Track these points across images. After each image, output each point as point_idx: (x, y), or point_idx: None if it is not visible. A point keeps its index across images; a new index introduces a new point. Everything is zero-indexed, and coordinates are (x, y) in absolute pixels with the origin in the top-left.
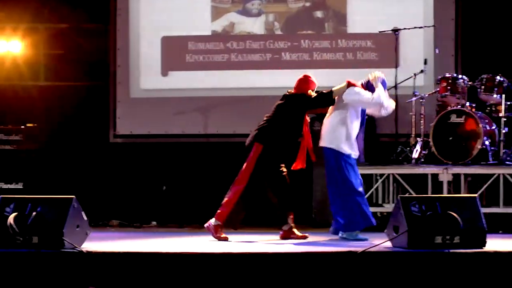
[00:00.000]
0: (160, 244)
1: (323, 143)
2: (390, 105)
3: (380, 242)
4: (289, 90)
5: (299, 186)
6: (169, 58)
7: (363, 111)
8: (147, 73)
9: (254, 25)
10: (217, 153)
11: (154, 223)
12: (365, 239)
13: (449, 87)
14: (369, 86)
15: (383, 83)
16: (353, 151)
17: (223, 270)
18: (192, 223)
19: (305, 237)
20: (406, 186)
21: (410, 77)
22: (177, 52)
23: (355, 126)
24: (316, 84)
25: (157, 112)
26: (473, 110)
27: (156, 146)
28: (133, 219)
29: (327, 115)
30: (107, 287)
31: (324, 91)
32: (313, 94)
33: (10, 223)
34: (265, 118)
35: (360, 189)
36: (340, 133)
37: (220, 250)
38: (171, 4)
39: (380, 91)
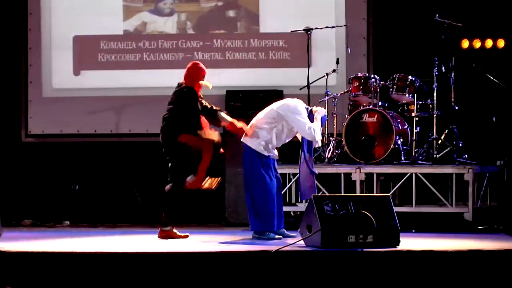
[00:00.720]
0: (73, 243)
1: (244, 138)
2: (319, 142)
3: (294, 242)
4: (180, 81)
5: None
6: (81, 57)
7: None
8: (59, 72)
9: (166, 25)
10: (129, 153)
11: (66, 222)
12: (279, 238)
13: (361, 87)
14: (310, 115)
15: (323, 119)
16: (272, 154)
17: (134, 269)
18: (105, 222)
19: (186, 237)
20: (319, 186)
21: (322, 77)
22: (89, 51)
23: (280, 139)
24: (206, 71)
25: (69, 112)
26: (385, 109)
27: (69, 145)
28: (46, 219)
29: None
30: (23, 287)
31: (214, 108)
32: (205, 83)
33: None
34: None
35: (274, 189)
36: (262, 138)
37: (130, 250)
38: (83, 3)
39: (317, 125)
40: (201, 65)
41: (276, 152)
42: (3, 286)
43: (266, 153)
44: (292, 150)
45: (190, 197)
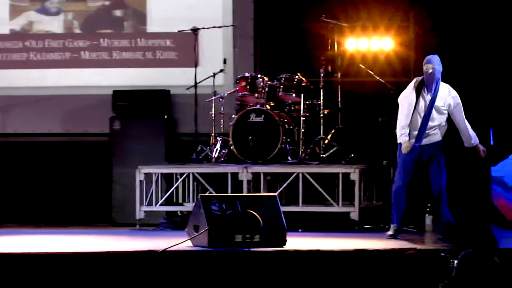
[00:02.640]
0: None
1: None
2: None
3: (181, 241)
4: None
5: (97, 185)
6: None
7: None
8: None
9: (53, 24)
10: (16, 153)
11: None
12: None
13: (248, 87)
14: None
15: None
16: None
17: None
18: None
19: None
20: (206, 185)
21: (209, 77)
22: None
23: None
24: None
25: None
26: (272, 109)
27: None
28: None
29: None
30: None
31: None
32: None
33: None
34: None
35: None
36: None
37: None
38: None
39: None
40: None
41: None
42: None
43: None
44: (178, 151)
45: (75, 197)
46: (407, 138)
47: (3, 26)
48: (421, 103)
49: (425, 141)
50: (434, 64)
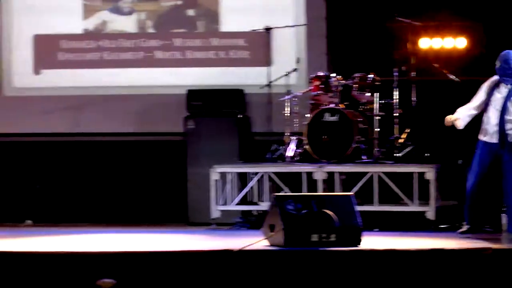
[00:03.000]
0: (35, 243)
1: None
2: None
3: (256, 241)
4: None
5: (172, 184)
6: (41, 56)
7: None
8: (20, 71)
9: (126, 24)
10: (90, 152)
11: (29, 221)
12: None
13: (322, 86)
14: None
15: None
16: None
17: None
18: (67, 221)
19: None
20: (281, 185)
21: (282, 76)
22: (49, 50)
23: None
24: None
25: (29, 111)
26: (346, 108)
27: (29, 144)
28: (8, 218)
29: None
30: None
31: None
32: None
33: None
34: None
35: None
36: None
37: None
38: (42, 2)
39: None
40: None
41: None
42: None
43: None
44: (253, 150)
45: (151, 197)
46: (458, 115)
47: (76, 26)
48: (497, 96)
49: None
50: (500, 58)
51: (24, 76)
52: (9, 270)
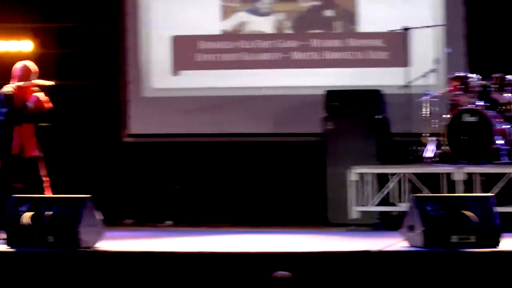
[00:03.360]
0: (176, 243)
1: None
2: None
3: (396, 242)
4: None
5: (311, 185)
6: (179, 57)
7: None
8: (158, 72)
9: (264, 24)
10: (227, 152)
11: (169, 222)
12: None
13: (460, 86)
14: None
15: None
16: None
17: (236, 269)
18: (206, 222)
19: None
20: (420, 185)
21: (421, 76)
22: (187, 51)
23: None
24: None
25: (168, 112)
26: (485, 109)
27: (168, 145)
28: (148, 218)
29: None
30: (122, 285)
31: None
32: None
33: (26, 222)
34: None
35: None
36: None
37: (238, 249)
38: (180, 3)
39: None
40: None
41: None
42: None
43: None
44: (391, 151)
45: (290, 197)
46: None
47: (215, 27)
48: None
49: None
50: None
51: (163, 77)
52: (151, 269)
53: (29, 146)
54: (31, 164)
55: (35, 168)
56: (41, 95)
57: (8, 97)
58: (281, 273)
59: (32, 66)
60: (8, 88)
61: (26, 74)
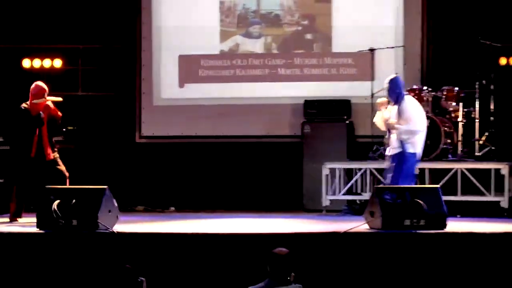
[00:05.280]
0: (179, 226)
1: None
2: None
3: (359, 224)
4: None
5: (291, 177)
6: (185, 72)
7: None
8: (166, 85)
9: (255, 46)
10: (224, 151)
11: (172, 208)
12: None
13: (416, 97)
14: None
15: None
16: None
17: (232, 248)
18: (205, 208)
19: None
20: (381, 178)
21: (383, 88)
22: (191, 67)
23: None
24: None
25: (175, 117)
26: (436, 115)
27: (174, 145)
28: (155, 205)
29: None
30: (135, 263)
31: None
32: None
33: (54, 209)
34: None
35: None
36: None
37: (230, 231)
38: (186, 29)
39: None
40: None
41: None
42: (123, 266)
43: None
44: (357, 150)
45: (274, 188)
46: None
47: (214, 48)
48: None
49: None
50: None
51: (171, 89)
52: (159, 248)
53: (46, 149)
54: (51, 163)
55: (55, 166)
56: (51, 107)
57: (24, 111)
58: (280, 249)
59: (42, 85)
60: (24, 104)
61: (38, 92)
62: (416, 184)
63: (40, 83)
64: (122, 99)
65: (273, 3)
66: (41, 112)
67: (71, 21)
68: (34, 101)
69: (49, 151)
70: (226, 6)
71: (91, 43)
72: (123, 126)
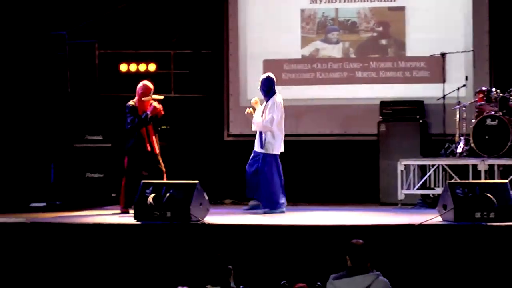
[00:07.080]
0: (264, 218)
1: None
2: None
3: (433, 217)
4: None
5: (368, 173)
6: None
7: None
8: (252, 87)
9: (334, 51)
10: (306, 149)
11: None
12: None
13: (484, 98)
14: None
15: None
16: None
17: (316, 240)
18: (288, 201)
19: None
20: (452, 174)
21: (454, 90)
22: (275, 71)
23: None
24: (150, 88)
25: None
26: (504, 115)
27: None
28: (242, 198)
29: None
30: (224, 252)
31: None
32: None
33: (150, 202)
34: None
35: None
36: None
37: (312, 222)
38: (270, 35)
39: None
40: (147, 84)
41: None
42: (215, 253)
43: None
44: (431, 147)
45: (352, 182)
46: None
47: (296, 53)
48: None
49: None
50: None
51: (256, 91)
52: (246, 237)
53: (153, 144)
54: (153, 157)
55: (156, 161)
56: (157, 105)
57: (132, 108)
58: (357, 240)
59: (149, 84)
60: (132, 102)
61: (145, 91)
62: None
63: (147, 82)
64: (211, 100)
65: (350, 11)
66: (147, 111)
67: (164, 29)
68: (143, 98)
69: (156, 145)
70: (307, 14)
71: (182, 48)
72: (212, 125)
